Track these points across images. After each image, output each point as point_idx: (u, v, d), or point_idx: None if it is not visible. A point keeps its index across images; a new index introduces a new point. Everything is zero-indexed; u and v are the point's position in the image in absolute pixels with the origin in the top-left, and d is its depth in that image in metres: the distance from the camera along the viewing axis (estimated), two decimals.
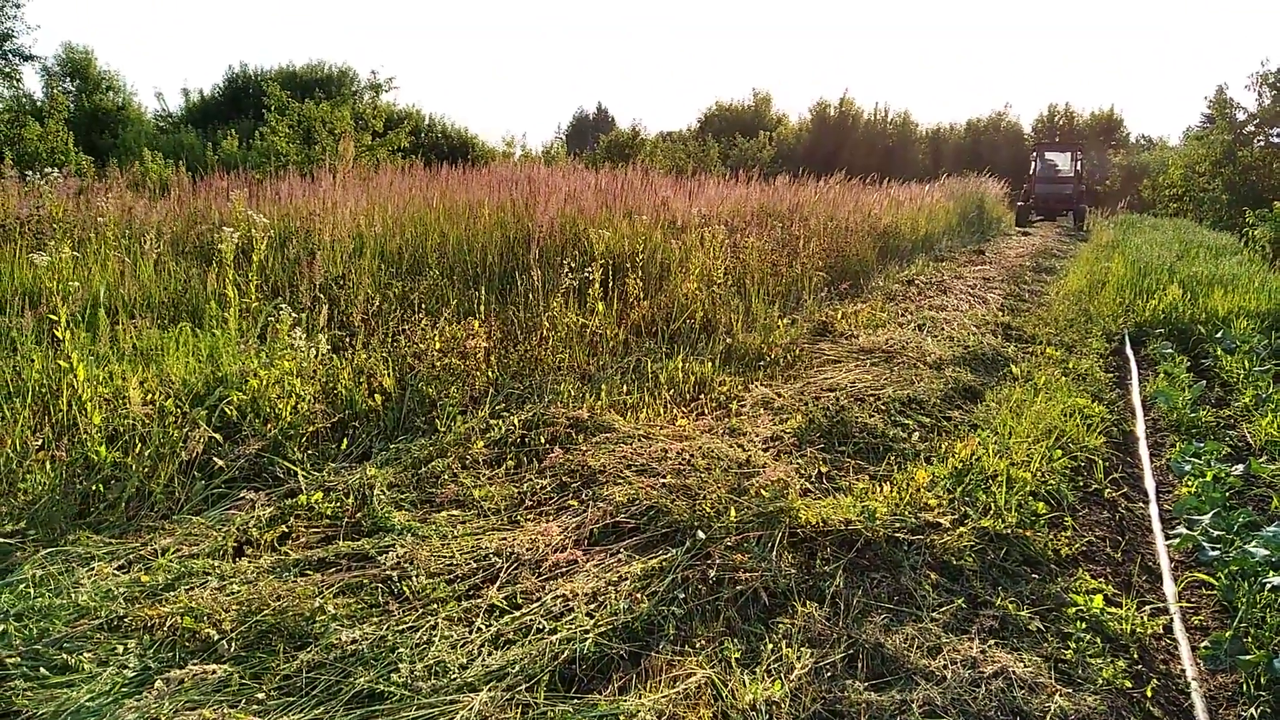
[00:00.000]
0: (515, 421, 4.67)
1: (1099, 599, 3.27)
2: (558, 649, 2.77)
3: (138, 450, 3.85)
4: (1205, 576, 3.60)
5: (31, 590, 2.96)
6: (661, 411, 5.10)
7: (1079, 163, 27.96)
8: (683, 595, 3.11)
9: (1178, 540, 3.94)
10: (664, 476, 4.04)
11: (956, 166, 29.53)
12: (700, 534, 3.50)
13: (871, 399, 5.42)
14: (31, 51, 21.21)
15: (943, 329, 7.75)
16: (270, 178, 10.57)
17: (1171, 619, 3.29)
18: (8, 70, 20.90)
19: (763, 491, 3.88)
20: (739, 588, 3.18)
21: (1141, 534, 4.15)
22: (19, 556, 3.19)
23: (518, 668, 2.66)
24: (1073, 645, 3.00)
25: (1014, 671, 2.78)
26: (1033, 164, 28.27)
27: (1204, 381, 6.71)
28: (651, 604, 3.03)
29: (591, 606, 3.02)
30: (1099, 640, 3.04)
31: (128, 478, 3.72)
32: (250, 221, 5.92)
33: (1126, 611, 3.23)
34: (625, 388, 5.44)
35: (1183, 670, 2.99)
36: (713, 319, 7.24)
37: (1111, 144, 42.79)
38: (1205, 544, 3.83)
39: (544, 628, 2.89)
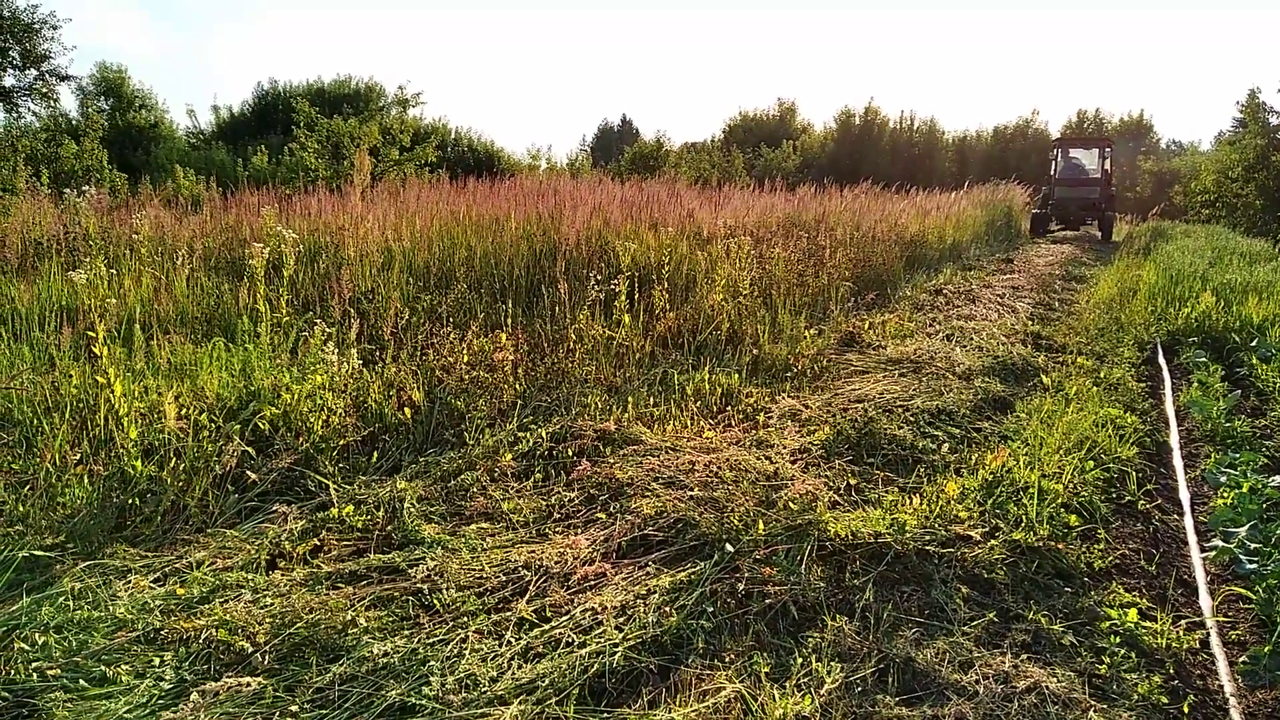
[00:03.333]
0: (543, 434, 4.69)
1: (1133, 613, 3.22)
2: (587, 662, 2.77)
3: (173, 464, 3.90)
4: (1242, 590, 3.54)
5: (70, 603, 3.01)
6: (689, 423, 5.11)
7: (1107, 161, 23.81)
8: (711, 609, 3.11)
9: (1213, 553, 3.88)
10: (691, 489, 4.04)
11: (984, 174, 29.13)
12: (728, 547, 3.50)
13: (900, 410, 5.39)
14: (68, 72, 21.63)
15: (971, 339, 7.70)
16: (300, 193, 10.72)
17: (1208, 633, 3.24)
18: (45, 90, 21.34)
19: (791, 504, 3.87)
20: (768, 601, 3.17)
21: (1176, 547, 4.09)
22: (58, 570, 3.25)
23: (547, 681, 2.67)
24: (1107, 660, 2.96)
25: (1047, 686, 2.75)
26: (1053, 162, 24.38)
27: (1239, 391, 6.61)
28: (680, 617, 3.03)
29: (620, 620, 3.03)
30: (1134, 655, 3.00)
31: (163, 491, 3.78)
32: (280, 237, 6.01)
33: (1162, 626, 3.19)
34: (652, 400, 5.45)
35: (1220, 686, 2.94)
36: (739, 330, 7.23)
37: (1142, 150, 42.30)
38: (1242, 556, 3.77)
39: (573, 641, 2.90)
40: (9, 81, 20.95)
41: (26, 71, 21.10)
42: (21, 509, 3.53)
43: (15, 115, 21.27)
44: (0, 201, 9.49)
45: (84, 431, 4.09)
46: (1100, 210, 22.72)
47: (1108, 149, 24.27)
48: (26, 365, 4.78)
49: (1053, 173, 24.01)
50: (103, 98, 30.06)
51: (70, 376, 4.33)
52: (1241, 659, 3.08)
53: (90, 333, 4.28)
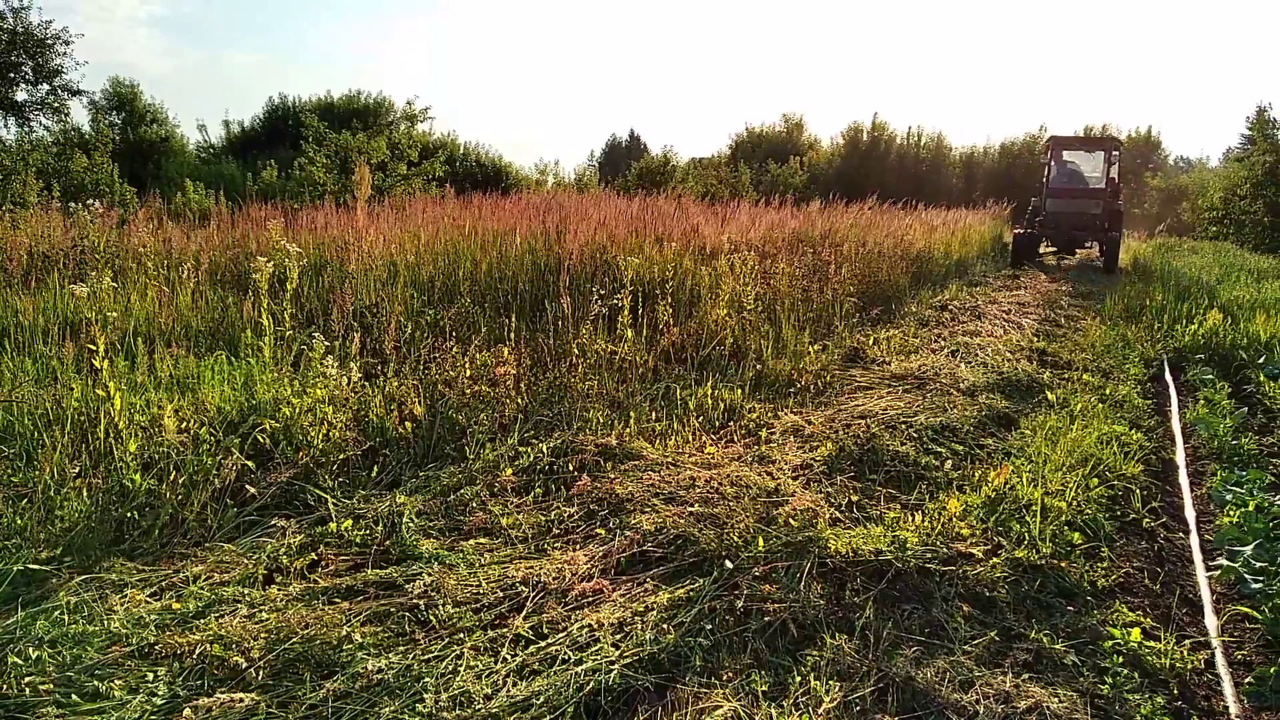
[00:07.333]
0: (544, 449, 4.68)
1: (1137, 632, 3.19)
2: (583, 680, 2.75)
3: (172, 478, 3.90)
4: (1248, 610, 3.50)
5: (65, 617, 2.99)
6: (690, 439, 5.08)
7: (1114, 167, 18.75)
8: (710, 626, 3.08)
9: (1219, 572, 3.84)
10: (692, 505, 4.01)
11: (991, 189, 29.07)
12: (728, 564, 3.47)
13: (903, 426, 5.36)
14: (80, 86, 21.79)
15: (976, 355, 7.67)
16: (307, 207, 10.76)
17: (1213, 653, 3.20)
18: (57, 105, 21.51)
19: (791, 520, 3.85)
20: (767, 619, 3.15)
21: (1181, 565, 4.05)
22: (54, 583, 3.24)
23: (542, 699, 2.65)
24: (1110, 680, 2.92)
25: (1049, 707, 2.71)
26: (1046, 167, 19.43)
27: (1246, 408, 6.56)
28: (678, 635, 3.00)
29: (617, 637, 3.00)
30: (1137, 675, 2.97)
31: (162, 505, 3.77)
32: (284, 251, 6.02)
33: (1166, 645, 3.15)
34: (654, 415, 5.43)
35: (1225, 707, 2.90)
36: (743, 345, 7.22)
37: (1150, 166, 42.22)
38: (1248, 576, 3.73)
39: (569, 658, 2.88)
40: (21, 96, 21.13)
41: (39, 86, 21.27)
42: (20, 522, 3.53)
43: (27, 129, 21.44)
44: (10, 215, 9.53)
45: (84, 444, 4.09)
46: (1102, 229, 17.94)
47: (1114, 152, 19.06)
48: (29, 378, 4.79)
49: (1045, 179, 19.30)
50: (114, 112, 30.28)
51: (71, 389, 4.33)
52: (1247, 680, 3.04)
53: (91, 346, 4.28)
